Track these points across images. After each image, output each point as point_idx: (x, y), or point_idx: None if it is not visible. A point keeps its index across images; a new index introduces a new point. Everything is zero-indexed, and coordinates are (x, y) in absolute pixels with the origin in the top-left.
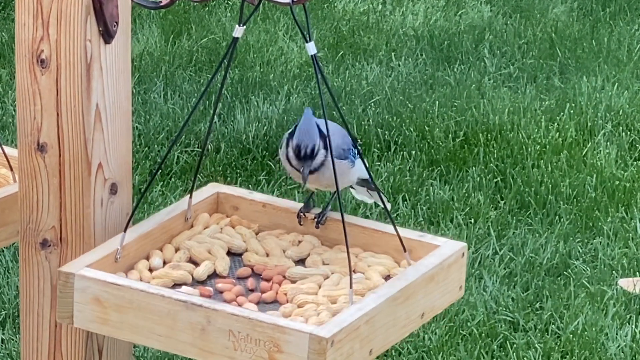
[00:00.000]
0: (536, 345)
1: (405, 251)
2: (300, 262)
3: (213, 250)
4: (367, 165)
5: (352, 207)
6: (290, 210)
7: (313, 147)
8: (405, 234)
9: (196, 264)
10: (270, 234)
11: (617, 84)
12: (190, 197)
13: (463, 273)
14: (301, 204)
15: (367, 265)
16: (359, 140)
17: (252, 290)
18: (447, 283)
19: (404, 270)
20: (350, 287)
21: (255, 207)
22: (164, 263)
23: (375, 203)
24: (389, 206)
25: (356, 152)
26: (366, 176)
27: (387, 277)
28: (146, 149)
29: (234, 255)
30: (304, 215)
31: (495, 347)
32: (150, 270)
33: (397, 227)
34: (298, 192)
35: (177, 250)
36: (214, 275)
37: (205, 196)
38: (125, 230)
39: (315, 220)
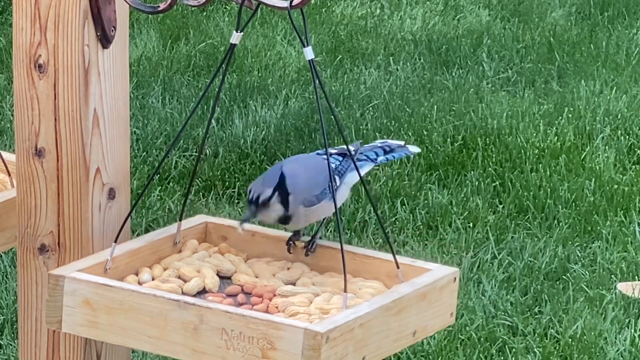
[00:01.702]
0: (535, 349)
1: (398, 267)
2: (290, 285)
3: (202, 270)
4: (360, 173)
5: (350, 212)
6: (279, 238)
7: (259, 195)
8: (397, 259)
9: (185, 281)
10: (259, 260)
11: (615, 88)
12: (180, 220)
13: (454, 299)
14: (290, 233)
15: (358, 288)
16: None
17: (242, 304)
18: (439, 305)
19: (398, 285)
20: (345, 290)
21: (245, 237)
22: (153, 279)
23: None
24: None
25: (335, 184)
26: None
27: None
28: (144, 153)
29: (223, 278)
30: (294, 243)
31: (494, 351)
32: (140, 284)
33: (391, 244)
34: None
35: (165, 269)
36: (203, 291)
37: (193, 224)
38: (116, 241)
39: (305, 248)
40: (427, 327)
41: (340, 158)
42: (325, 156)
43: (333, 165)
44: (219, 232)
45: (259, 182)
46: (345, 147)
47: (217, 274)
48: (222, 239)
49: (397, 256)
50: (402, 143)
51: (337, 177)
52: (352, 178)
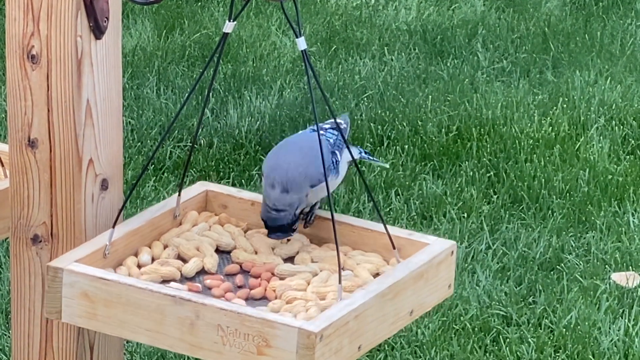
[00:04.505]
0: (529, 339)
1: (394, 248)
2: (289, 259)
3: (201, 247)
4: (348, 144)
5: (344, 202)
6: None
7: (282, 226)
8: (394, 233)
9: (184, 260)
10: (258, 232)
11: (610, 78)
12: (179, 195)
13: (452, 271)
14: None
15: (356, 263)
16: (342, 124)
17: (240, 287)
18: (436, 281)
19: (393, 267)
20: (340, 282)
21: (244, 206)
22: (153, 259)
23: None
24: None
25: (338, 139)
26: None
27: (376, 275)
28: (139, 144)
29: (222, 252)
30: None
31: (489, 341)
32: (139, 266)
33: (386, 225)
34: None
35: (165, 247)
36: (202, 272)
37: (193, 194)
38: (114, 226)
39: (304, 219)
40: (425, 304)
41: (336, 133)
42: (321, 132)
43: (331, 140)
44: (219, 201)
45: (274, 214)
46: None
47: (217, 249)
48: (222, 208)
49: (394, 230)
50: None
51: (337, 152)
52: (348, 155)
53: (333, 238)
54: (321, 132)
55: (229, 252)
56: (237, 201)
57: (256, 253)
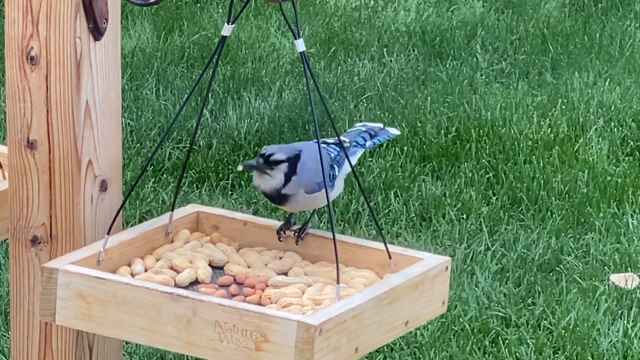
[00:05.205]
0: (528, 340)
1: (390, 258)
2: (283, 275)
3: (194, 260)
4: (352, 164)
5: (343, 203)
6: (271, 227)
7: (272, 154)
8: (389, 249)
9: (178, 272)
10: (251, 250)
11: (609, 79)
12: (172, 211)
13: (446, 287)
14: (282, 222)
15: (350, 278)
16: (345, 143)
17: (235, 295)
18: (431, 294)
19: (390, 276)
20: (338, 282)
21: (236, 226)
22: (146, 270)
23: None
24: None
25: (338, 160)
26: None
27: None
28: (138, 145)
29: (215, 268)
30: (284, 232)
31: (488, 342)
32: (132, 275)
33: (382, 232)
34: None
35: (158, 260)
36: (195, 282)
37: (185, 214)
38: (109, 232)
39: (296, 235)
40: (420, 317)
41: (338, 149)
42: (324, 146)
43: (332, 155)
44: (211, 222)
45: (276, 147)
46: (339, 138)
47: (210, 264)
48: (214, 229)
49: (388, 246)
50: (382, 125)
51: (336, 167)
52: (347, 168)
53: (326, 256)
54: (324, 145)
55: (221, 268)
56: (229, 221)
57: (249, 267)
